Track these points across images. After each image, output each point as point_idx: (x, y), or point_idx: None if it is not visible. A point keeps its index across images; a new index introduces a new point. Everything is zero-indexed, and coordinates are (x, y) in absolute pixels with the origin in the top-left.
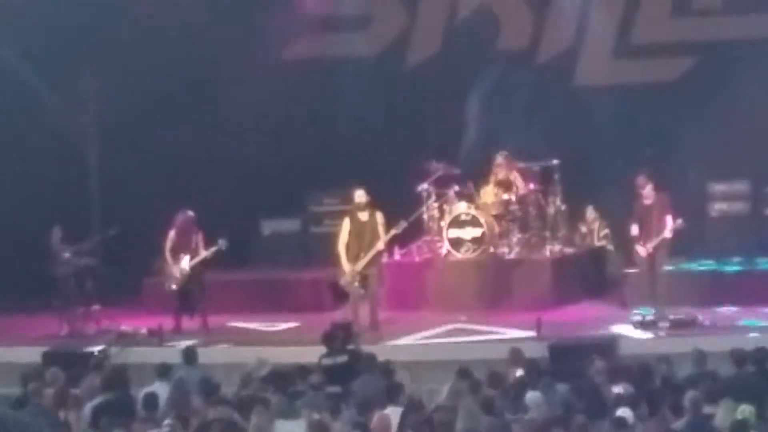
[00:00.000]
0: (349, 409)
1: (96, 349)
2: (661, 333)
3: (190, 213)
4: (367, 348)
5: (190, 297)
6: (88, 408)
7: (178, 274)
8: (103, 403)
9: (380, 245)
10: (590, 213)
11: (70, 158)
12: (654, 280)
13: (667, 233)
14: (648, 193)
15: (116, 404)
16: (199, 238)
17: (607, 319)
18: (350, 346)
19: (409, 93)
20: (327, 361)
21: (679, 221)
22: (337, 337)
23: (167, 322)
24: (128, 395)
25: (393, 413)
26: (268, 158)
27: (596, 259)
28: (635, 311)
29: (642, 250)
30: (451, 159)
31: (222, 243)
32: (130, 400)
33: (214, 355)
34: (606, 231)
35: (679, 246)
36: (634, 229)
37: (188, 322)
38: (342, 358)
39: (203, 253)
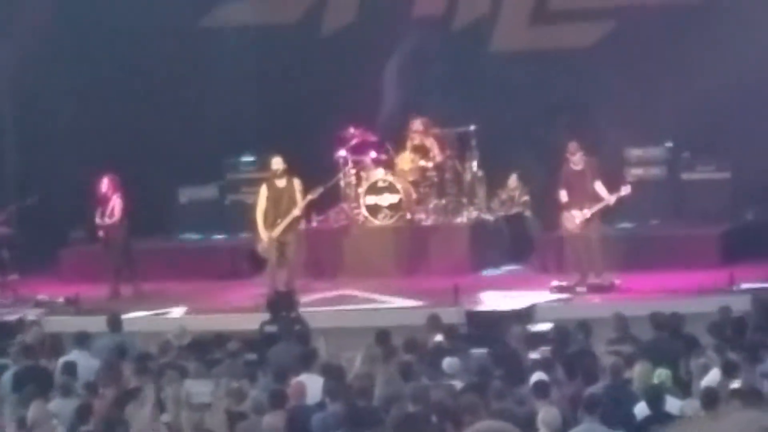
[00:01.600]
0: (265, 377)
1: (14, 317)
2: (579, 297)
3: (112, 174)
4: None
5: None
6: (6, 376)
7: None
8: (21, 371)
9: (297, 211)
10: (512, 181)
11: None
12: (586, 246)
13: (611, 199)
14: (578, 159)
15: (34, 373)
16: (116, 204)
17: (525, 284)
18: (293, 314)
19: (326, 60)
20: (270, 328)
21: (626, 187)
22: (281, 304)
23: (84, 291)
24: (47, 363)
25: (309, 380)
26: (185, 125)
27: (514, 224)
28: (554, 276)
29: (578, 215)
30: (369, 125)
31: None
32: (48, 368)
33: (133, 322)
34: (526, 198)
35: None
36: (563, 195)
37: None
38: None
39: (116, 217)
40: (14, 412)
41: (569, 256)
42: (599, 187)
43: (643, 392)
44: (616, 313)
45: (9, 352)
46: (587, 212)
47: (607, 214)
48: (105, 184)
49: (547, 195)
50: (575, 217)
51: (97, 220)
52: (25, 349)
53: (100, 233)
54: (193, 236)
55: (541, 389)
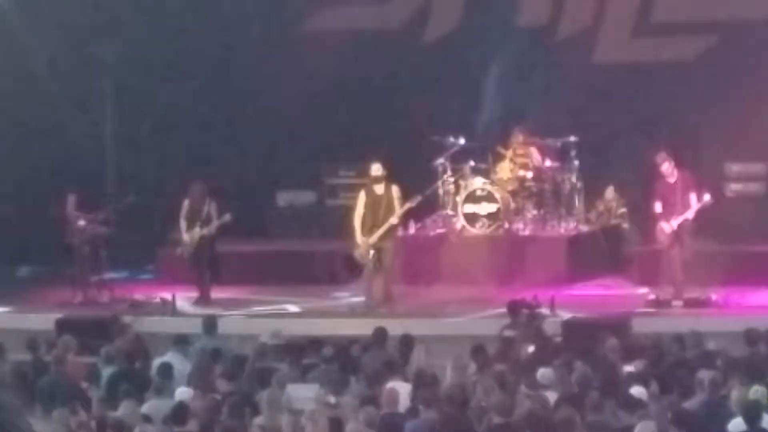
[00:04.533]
0: (358, 383)
1: (109, 317)
2: (676, 312)
3: (201, 183)
4: (379, 322)
5: (201, 266)
6: (103, 377)
7: (188, 243)
8: (118, 372)
9: (395, 219)
10: (609, 193)
11: (86, 126)
12: (676, 259)
13: (691, 213)
14: (669, 170)
15: (131, 374)
16: (212, 208)
17: (622, 297)
18: (534, 320)
19: (428, 67)
20: (509, 333)
21: (707, 197)
22: (523, 309)
23: (181, 292)
24: (145, 365)
25: (401, 388)
26: (285, 130)
27: (612, 237)
28: (650, 289)
29: (667, 227)
30: (468, 134)
31: (227, 217)
32: (145, 369)
33: (229, 325)
34: (623, 209)
35: (696, 226)
36: (658, 207)
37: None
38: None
39: (213, 224)
40: (102, 413)
41: (663, 268)
42: (693, 199)
43: (740, 408)
44: (692, 330)
45: (101, 353)
46: (674, 224)
47: (705, 229)
48: (195, 193)
49: (643, 207)
50: (665, 230)
51: (185, 237)
52: (118, 351)
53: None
54: (291, 240)
55: (637, 402)
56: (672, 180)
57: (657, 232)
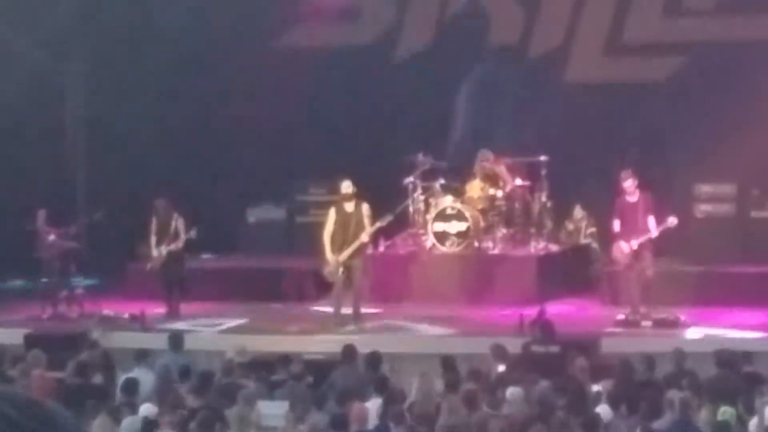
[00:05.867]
0: (328, 401)
1: (78, 332)
2: (644, 332)
3: (164, 200)
4: (349, 339)
5: (170, 281)
6: (68, 390)
7: (156, 258)
8: (81, 386)
9: (365, 237)
10: (578, 211)
11: (57, 141)
12: (635, 279)
13: (654, 233)
14: (631, 189)
15: (96, 388)
16: (179, 224)
17: (590, 316)
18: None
19: (398, 85)
20: (539, 349)
21: (672, 219)
22: (551, 325)
23: (150, 308)
24: (111, 379)
25: (372, 405)
26: (255, 146)
27: (581, 256)
28: (619, 309)
29: (625, 247)
30: (439, 152)
31: (192, 232)
32: (110, 384)
33: (197, 340)
34: (592, 229)
35: (665, 246)
36: (616, 225)
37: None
38: (554, 348)
39: (181, 239)
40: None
41: (623, 288)
42: (651, 221)
43: (709, 429)
44: (676, 348)
45: (67, 367)
46: (634, 244)
47: (675, 249)
48: (161, 209)
49: (610, 226)
50: (623, 249)
51: (154, 252)
52: (81, 366)
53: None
54: (261, 257)
55: (602, 422)
56: (633, 199)
57: (613, 250)
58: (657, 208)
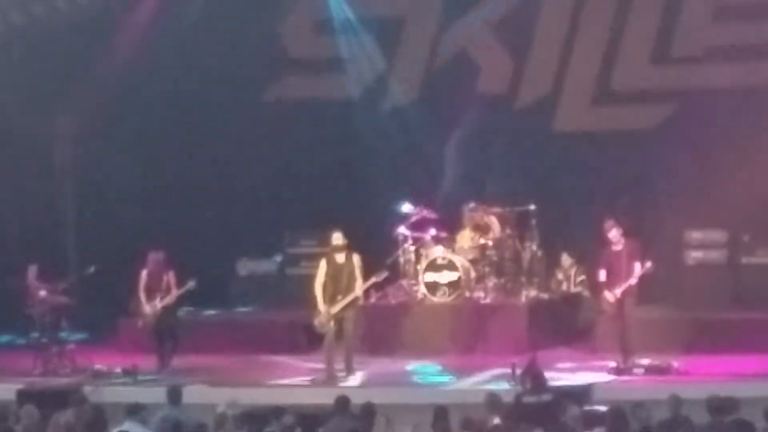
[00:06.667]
0: None
1: (70, 387)
2: (636, 379)
3: (161, 253)
4: (341, 391)
5: (162, 335)
6: None
7: (150, 314)
8: None
9: (359, 291)
10: (565, 259)
11: (46, 196)
12: (622, 327)
13: (633, 279)
14: (616, 238)
15: None
16: (170, 278)
17: (582, 365)
18: (551, 385)
19: (388, 135)
20: (530, 399)
21: (648, 264)
22: (541, 375)
23: (142, 362)
24: None
25: None
26: (245, 199)
27: (572, 305)
28: (611, 357)
29: (610, 296)
30: (429, 203)
31: (191, 284)
32: None
33: (189, 394)
34: (583, 277)
35: (656, 293)
36: (602, 275)
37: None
38: (547, 397)
39: (173, 293)
40: None
41: (613, 336)
42: (637, 269)
43: None
44: (672, 395)
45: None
46: (617, 292)
47: (666, 296)
48: (153, 263)
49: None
50: (609, 298)
51: (146, 308)
52: (83, 419)
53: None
54: (251, 309)
55: None
56: (618, 248)
57: (600, 300)
58: (645, 255)
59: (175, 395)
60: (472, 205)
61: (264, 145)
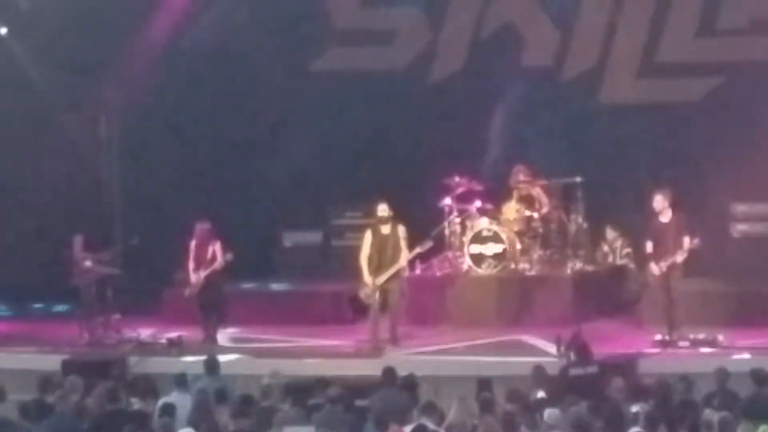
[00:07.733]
0: (366, 424)
1: (115, 357)
2: (682, 352)
3: (207, 223)
4: (387, 362)
5: (207, 307)
6: (104, 416)
7: (194, 284)
8: (118, 412)
9: (403, 261)
10: (609, 233)
11: (92, 167)
12: (668, 300)
13: (679, 256)
14: (664, 210)
15: (133, 414)
16: (216, 248)
17: (628, 337)
18: (596, 358)
19: (433, 108)
20: (576, 372)
21: (696, 240)
22: (587, 347)
23: (187, 332)
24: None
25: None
26: (291, 171)
27: (617, 277)
28: (656, 329)
29: (655, 269)
30: (474, 174)
31: (229, 256)
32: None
33: (234, 365)
34: (628, 249)
35: (702, 266)
36: (649, 246)
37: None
38: (592, 369)
39: (216, 264)
40: None
41: (658, 309)
42: (686, 243)
43: None
44: (720, 368)
45: (101, 391)
46: (663, 266)
47: (712, 270)
48: (201, 233)
49: (644, 247)
50: (654, 271)
51: (192, 278)
52: (110, 391)
53: (188, 291)
54: (297, 281)
55: None
56: (665, 220)
57: (646, 272)
58: (692, 228)
59: (212, 365)
60: (519, 166)
61: (311, 117)
